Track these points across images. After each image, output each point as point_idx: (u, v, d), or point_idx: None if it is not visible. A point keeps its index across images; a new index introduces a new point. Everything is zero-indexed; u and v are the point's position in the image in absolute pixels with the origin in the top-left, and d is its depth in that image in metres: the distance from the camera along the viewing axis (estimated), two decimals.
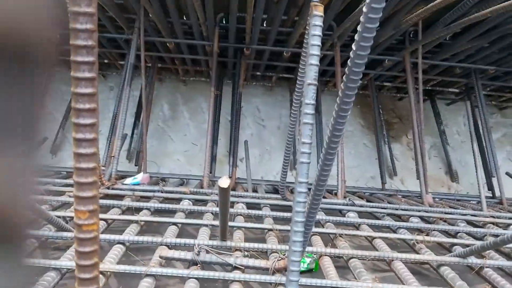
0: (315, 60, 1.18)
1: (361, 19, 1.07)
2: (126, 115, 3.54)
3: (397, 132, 5.35)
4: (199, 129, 5.08)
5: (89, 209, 0.77)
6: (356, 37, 1.10)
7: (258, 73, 5.07)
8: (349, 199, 3.18)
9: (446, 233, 2.75)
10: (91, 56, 0.70)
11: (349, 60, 1.15)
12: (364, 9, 1.05)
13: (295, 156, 4.62)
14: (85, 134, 0.73)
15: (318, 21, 1.16)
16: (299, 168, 1.24)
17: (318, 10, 1.16)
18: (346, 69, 1.17)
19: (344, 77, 1.18)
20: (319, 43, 1.18)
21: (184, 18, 3.89)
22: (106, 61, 4.86)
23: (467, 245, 2.23)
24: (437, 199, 4.04)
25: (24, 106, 0.32)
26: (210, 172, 4.13)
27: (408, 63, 3.98)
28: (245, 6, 3.20)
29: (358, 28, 1.08)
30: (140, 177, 3.34)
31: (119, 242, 2.07)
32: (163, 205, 2.68)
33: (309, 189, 1.50)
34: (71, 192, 2.66)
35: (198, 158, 4.87)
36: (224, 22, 3.99)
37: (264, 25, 3.90)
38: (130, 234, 2.15)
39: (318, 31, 1.16)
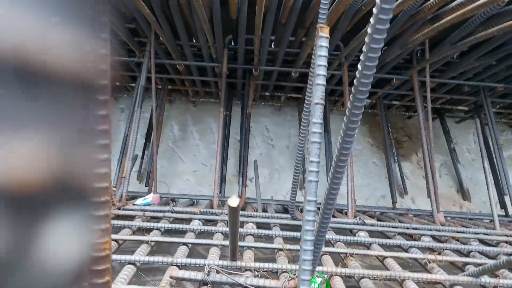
0: (321, 80, 1.20)
1: (366, 39, 1.10)
2: (136, 136, 3.59)
3: (407, 150, 5.34)
4: (209, 149, 5.12)
5: (102, 227, 0.79)
6: (361, 57, 1.12)
7: (267, 93, 5.12)
8: (360, 218, 3.16)
9: (459, 252, 2.71)
10: (104, 80, 0.73)
11: (355, 79, 1.17)
12: (369, 30, 1.08)
13: (304, 175, 4.63)
14: (97, 155, 0.75)
15: (324, 42, 1.19)
16: (307, 186, 1.25)
17: (323, 32, 1.19)
18: (353, 88, 1.20)
19: (350, 96, 1.21)
20: (325, 64, 1.21)
21: (194, 41, 3.97)
22: (117, 83, 4.94)
23: (480, 264, 2.20)
24: (449, 217, 4.00)
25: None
26: (220, 192, 4.15)
27: (416, 82, 4.00)
28: (253, 28, 3.27)
29: (364, 48, 1.11)
30: (150, 197, 3.36)
31: (130, 263, 2.08)
32: (173, 225, 2.69)
33: (319, 208, 1.51)
34: None
35: (208, 178, 4.89)
36: (232, 44, 4.07)
37: (272, 46, 3.96)
38: (140, 255, 2.16)
39: (324, 52, 1.19)
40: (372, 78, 1.16)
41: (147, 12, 3.03)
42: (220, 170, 3.88)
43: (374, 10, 1.04)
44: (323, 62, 1.21)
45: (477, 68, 3.97)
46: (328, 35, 1.19)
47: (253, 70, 4.28)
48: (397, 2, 2.64)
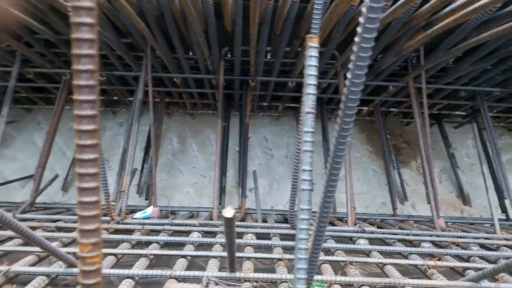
0: (312, 90, 1.22)
1: (354, 48, 1.11)
2: (135, 150, 3.59)
3: (406, 157, 5.34)
4: (208, 161, 5.13)
5: (92, 241, 0.79)
6: (350, 65, 1.13)
7: (264, 104, 5.13)
8: (359, 225, 3.15)
9: (459, 257, 2.70)
10: (93, 95, 0.74)
11: (345, 88, 1.18)
12: (356, 39, 1.09)
13: None
14: (87, 169, 0.76)
15: (314, 52, 1.20)
16: (301, 195, 1.25)
17: (313, 42, 1.20)
18: (343, 96, 1.21)
19: (341, 104, 1.22)
20: (316, 73, 1.22)
21: (190, 53, 3.99)
22: (115, 98, 4.97)
23: (480, 269, 2.19)
24: (449, 223, 3.99)
25: None
26: (220, 204, 4.14)
27: (412, 88, 4.02)
28: (248, 39, 3.29)
29: (352, 57, 1.12)
30: (149, 210, 3.36)
31: (128, 277, 2.08)
32: (173, 238, 2.69)
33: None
34: None
35: (208, 190, 4.90)
36: (229, 55, 4.10)
37: (268, 57, 3.99)
38: (139, 268, 2.16)
39: (314, 62, 1.21)
40: (361, 86, 1.17)
41: (142, 26, 3.06)
42: (219, 181, 3.88)
43: (361, 19, 1.05)
44: (313, 71, 1.22)
45: (472, 73, 3.99)
46: (317, 45, 1.21)
47: (250, 81, 4.31)
48: (390, 10, 2.67)
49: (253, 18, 2.86)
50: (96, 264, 0.81)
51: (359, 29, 1.06)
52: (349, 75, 1.15)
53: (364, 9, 1.03)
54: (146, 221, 3.13)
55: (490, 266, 1.88)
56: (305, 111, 1.22)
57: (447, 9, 2.70)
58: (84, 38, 0.70)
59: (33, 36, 3.53)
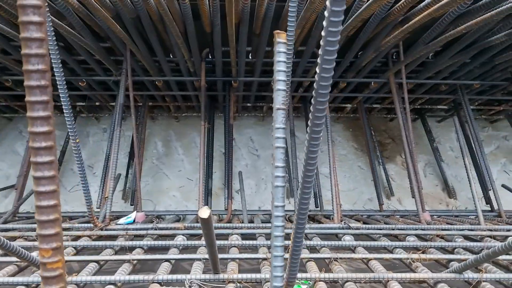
0: (281, 85, 1.21)
1: (321, 42, 1.10)
2: (117, 156, 3.55)
3: (391, 152, 5.36)
4: (194, 164, 5.09)
5: (52, 246, 0.77)
6: (318, 60, 1.12)
7: (249, 104, 5.13)
8: (345, 222, 3.15)
9: (444, 250, 2.71)
10: (45, 96, 0.72)
11: (314, 83, 1.17)
12: (323, 33, 1.08)
13: (291, 183, 4.62)
14: (43, 172, 0.74)
15: (282, 48, 1.19)
16: (274, 192, 1.24)
17: (281, 37, 1.19)
18: (313, 91, 1.20)
19: (312, 99, 1.20)
20: (285, 69, 1.21)
21: (171, 56, 3.96)
22: (97, 103, 4.92)
23: (464, 260, 2.20)
24: (435, 216, 4.01)
25: None
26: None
27: (393, 84, 4.04)
28: (228, 40, 3.28)
29: (320, 51, 1.11)
30: (133, 216, 3.32)
31: (110, 283, 2.05)
32: (156, 242, 2.66)
33: (309, 216, 1.50)
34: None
35: (194, 193, 4.86)
36: (210, 57, 4.07)
37: (250, 57, 3.98)
38: (122, 274, 2.13)
39: (282, 57, 1.20)
40: (330, 80, 1.16)
41: (118, 30, 3.03)
42: (204, 184, 3.86)
43: (324, 23, 1.04)
44: (282, 67, 1.21)
45: (452, 66, 4.02)
46: (285, 40, 1.20)
47: (232, 81, 4.29)
48: (364, 6, 2.67)
49: (230, 19, 2.84)
50: (58, 269, 0.79)
51: (324, 22, 1.06)
52: (317, 69, 1.14)
53: (328, 3, 1.02)
54: (130, 226, 3.10)
55: (472, 257, 1.89)
56: (275, 107, 1.21)
57: (422, 4, 2.71)
58: (32, 37, 0.68)
59: (10, 44, 3.47)
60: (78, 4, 2.75)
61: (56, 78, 2.57)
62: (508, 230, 3.08)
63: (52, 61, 2.52)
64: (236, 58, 3.73)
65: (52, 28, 2.51)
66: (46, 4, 2.14)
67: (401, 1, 2.72)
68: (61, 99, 2.66)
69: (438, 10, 2.55)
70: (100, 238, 2.91)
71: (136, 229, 3.00)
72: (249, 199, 4.71)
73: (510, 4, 2.53)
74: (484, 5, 2.71)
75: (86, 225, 3.11)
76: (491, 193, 4.25)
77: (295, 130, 4.72)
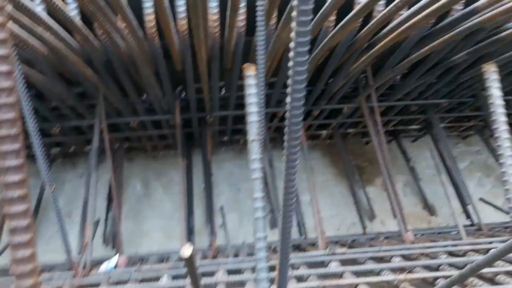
0: (254, 117, 1.23)
1: (289, 73, 1.13)
2: (96, 200, 3.49)
3: (369, 175, 5.43)
4: (175, 202, 5.03)
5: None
6: (287, 90, 1.15)
7: (225, 138, 5.14)
8: (330, 248, 3.14)
9: (429, 268, 2.73)
10: (17, 144, 0.72)
11: (286, 113, 1.20)
12: (290, 63, 1.11)
13: (274, 214, 4.60)
14: (18, 222, 0.73)
15: (252, 80, 1.22)
16: (255, 223, 1.24)
17: (250, 70, 1.22)
18: (286, 121, 1.22)
19: (285, 129, 1.23)
20: (256, 100, 1.24)
21: (145, 95, 3.97)
22: (72, 149, 4.85)
23: (449, 277, 2.21)
24: (418, 235, 4.04)
25: None
26: None
27: (365, 108, 4.13)
28: (200, 76, 3.32)
29: (288, 81, 1.14)
30: (114, 260, 3.23)
31: None
32: (140, 286, 2.59)
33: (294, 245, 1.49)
34: None
35: (177, 232, 4.76)
36: (184, 94, 4.10)
37: (223, 92, 4.02)
38: None
39: (253, 90, 1.22)
40: (302, 109, 1.18)
41: (90, 74, 3.04)
42: (186, 222, 3.81)
43: (290, 54, 1.07)
44: (254, 99, 1.24)
45: (420, 87, 4.15)
46: (255, 73, 1.23)
47: (208, 117, 4.32)
48: (330, 35, 2.76)
49: (201, 56, 2.89)
50: None
51: (291, 54, 1.09)
52: (288, 99, 1.17)
53: (292, 34, 1.06)
54: (113, 271, 3.01)
55: (457, 273, 1.90)
56: (250, 139, 1.22)
57: (385, 29, 2.83)
58: (1, 87, 0.69)
59: None
60: (47, 51, 2.76)
61: (28, 126, 2.54)
62: (490, 243, 3.13)
63: (23, 109, 2.50)
64: (210, 94, 3.77)
65: (23, 76, 2.50)
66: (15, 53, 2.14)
67: (365, 29, 2.83)
68: (34, 147, 2.62)
69: (401, 34, 2.66)
70: (82, 287, 2.82)
71: (119, 274, 2.92)
72: (233, 233, 4.65)
73: (468, 24, 2.67)
74: (445, 27, 2.85)
75: (67, 273, 3.00)
76: (470, 207, 4.33)
77: (274, 161, 4.74)
